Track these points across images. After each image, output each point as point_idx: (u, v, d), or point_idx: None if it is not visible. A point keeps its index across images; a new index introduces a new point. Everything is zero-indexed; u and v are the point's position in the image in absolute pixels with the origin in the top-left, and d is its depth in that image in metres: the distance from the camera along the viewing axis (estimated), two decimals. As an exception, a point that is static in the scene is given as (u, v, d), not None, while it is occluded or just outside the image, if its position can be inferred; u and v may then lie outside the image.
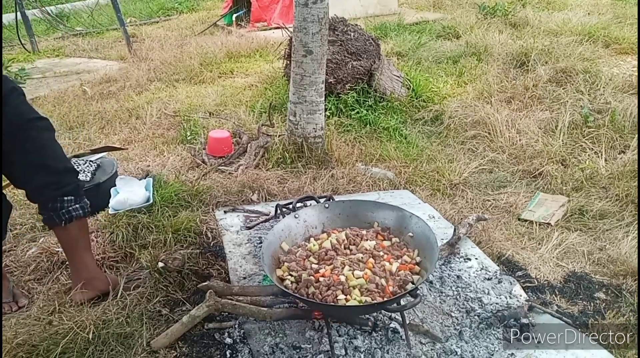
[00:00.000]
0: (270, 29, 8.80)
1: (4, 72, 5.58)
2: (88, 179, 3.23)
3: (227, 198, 3.40)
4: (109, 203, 3.10)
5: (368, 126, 4.60)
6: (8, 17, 9.71)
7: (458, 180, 3.76)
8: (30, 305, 2.55)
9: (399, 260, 2.20)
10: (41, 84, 6.35)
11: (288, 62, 5.02)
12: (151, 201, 3.13)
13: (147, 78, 6.24)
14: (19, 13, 8.03)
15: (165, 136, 4.55)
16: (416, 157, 4.10)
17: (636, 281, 2.58)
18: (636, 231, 3.06)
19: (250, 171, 3.80)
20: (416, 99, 5.05)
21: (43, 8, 10.49)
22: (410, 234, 2.33)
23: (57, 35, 9.56)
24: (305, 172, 3.78)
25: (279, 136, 4.22)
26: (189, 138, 4.37)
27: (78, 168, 3.31)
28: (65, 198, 2.32)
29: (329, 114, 4.64)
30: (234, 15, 9.55)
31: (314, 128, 3.89)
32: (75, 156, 3.45)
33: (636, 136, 3.98)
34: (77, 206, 2.37)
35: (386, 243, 2.33)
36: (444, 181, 3.74)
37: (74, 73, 6.88)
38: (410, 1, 11.08)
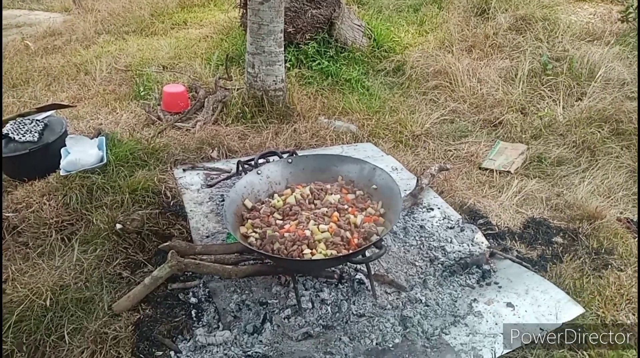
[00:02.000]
0: (224, -24, 8.35)
1: None
2: (35, 139, 3.03)
3: (185, 156, 3.29)
4: (59, 164, 2.93)
5: (330, 77, 4.50)
6: None
7: (420, 131, 3.76)
8: (-19, 274, 2.43)
9: (364, 213, 2.19)
10: (-23, 39, 5.88)
11: (244, 11, 4.78)
12: (105, 160, 2.98)
13: (94, 30, 5.86)
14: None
15: (117, 92, 4.31)
16: (379, 109, 4.06)
17: (591, 225, 2.67)
18: (592, 177, 3.15)
19: (208, 127, 3.67)
20: (378, 49, 4.95)
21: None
22: (374, 186, 2.31)
23: (-9, -15, 8.80)
24: (267, 127, 3.68)
25: (238, 89, 4.07)
26: (142, 94, 4.16)
27: (24, 127, 3.10)
28: None
29: (289, 66, 4.49)
30: (186, -38, 8.99)
31: (274, 80, 3.76)
32: (20, 116, 3.23)
33: (592, 83, 4.05)
34: None
35: (350, 196, 2.31)
36: (407, 132, 3.73)
37: (14, 26, 6.39)
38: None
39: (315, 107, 3.99)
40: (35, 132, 3.09)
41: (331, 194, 2.30)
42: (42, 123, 3.18)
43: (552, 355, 1.90)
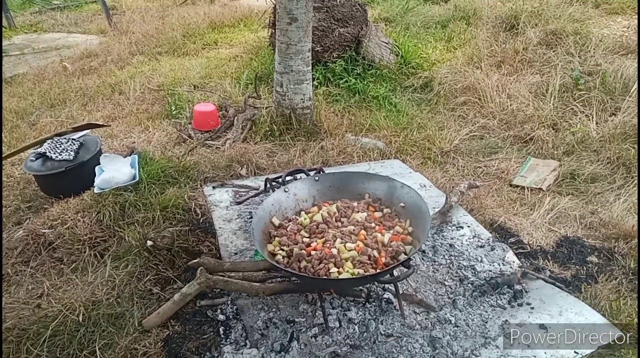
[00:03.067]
0: (254, -3, 8.54)
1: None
2: (71, 158, 3.14)
3: (215, 173, 3.34)
4: (93, 182, 3.03)
5: (357, 95, 4.52)
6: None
7: (449, 148, 3.72)
8: (19, 289, 2.51)
9: (391, 231, 2.18)
10: (20, 62, 6.15)
11: (273, 30, 4.88)
12: (137, 178, 3.06)
13: (128, 52, 6.06)
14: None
15: (150, 111, 4.43)
16: (406, 125, 4.05)
17: (628, 244, 2.58)
18: (628, 194, 3.05)
19: (237, 144, 3.72)
20: (405, 66, 4.96)
21: (17, -19, 10.10)
22: (402, 204, 2.29)
23: (33, 10, 9.24)
24: (294, 144, 3.71)
25: (266, 108, 4.13)
26: (174, 113, 4.27)
27: (60, 146, 3.22)
28: None
29: (316, 84, 4.54)
30: (216, -16, 9.25)
31: (301, 99, 3.81)
32: (57, 135, 3.35)
33: (627, 97, 3.94)
34: None
35: (378, 214, 2.30)
36: (435, 149, 3.70)
37: (53, 49, 6.67)
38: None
39: (342, 125, 4.01)
40: (71, 151, 3.20)
41: (358, 212, 2.30)
42: (78, 142, 3.29)
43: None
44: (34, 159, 3.17)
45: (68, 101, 4.74)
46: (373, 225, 2.21)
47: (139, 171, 3.11)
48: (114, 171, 3.02)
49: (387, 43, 5.06)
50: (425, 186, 3.14)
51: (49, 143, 3.26)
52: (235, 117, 4.06)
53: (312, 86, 3.96)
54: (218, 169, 3.38)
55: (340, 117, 4.13)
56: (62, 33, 7.59)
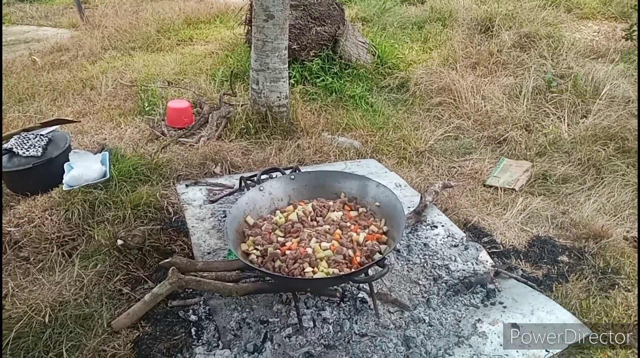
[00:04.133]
0: (230, -7, 8.45)
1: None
2: (39, 154, 3.04)
3: (188, 171, 3.28)
4: (62, 179, 2.93)
5: (334, 94, 4.51)
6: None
7: (424, 148, 3.74)
8: (-19, 289, 2.41)
9: (366, 230, 2.17)
10: (-15, 54, 5.94)
11: (249, 27, 4.82)
12: (108, 176, 2.98)
13: (101, 46, 5.92)
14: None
15: (122, 107, 4.34)
16: (382, 125, 4.06)
17: (597, 244, 2.64)
18: (597, 195, 3.12)
19: (212, 142, 3.67)
20: (382, 66, 4.97)
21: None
22: (377, 203, 2.29)
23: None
24: (270, 143, 3.68)
25: (242, 105, 4.09)
26: (147, 109, 4.18)
27: (28, 142, 3.11)
28: None
29: (293, 82, 4.51)
30: (193, -20, 9.11)
31: (278, 97, 3.77)
32: (24, 130, 3.23)
33: (597, 100, 4.03)
34: None
35: (353, 214, 2.29)
36: (410, 149, 3.71)
37: (22, 42, 6.47)
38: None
39: (319, 124, 4.00)
40: (39, 147, 3.10)
41: (334, 211, 2.28)
42: (47, 138, 3.19)
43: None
44: (-1, 155, 3.05)
45: (37, 95, 4.60)
46: (348, 224, 2.20)
47: (109, 168, 3.03)
48: (84, 168, 2.94)
49: (364, 43, 5.06)
50: (400, 185, 3.15)
51: (15, 139, 3.14)
52: (210, 115, 4.00)
53: (289, 84, 3.93)
54: (192, 167, 3.32)
55: (316, 116, 4.11)
56: (31, 26, 7.37)
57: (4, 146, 3.11)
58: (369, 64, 4.95)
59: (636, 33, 4.92)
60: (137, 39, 6.08)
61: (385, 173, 3.31)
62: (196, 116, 4.06)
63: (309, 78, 4.69)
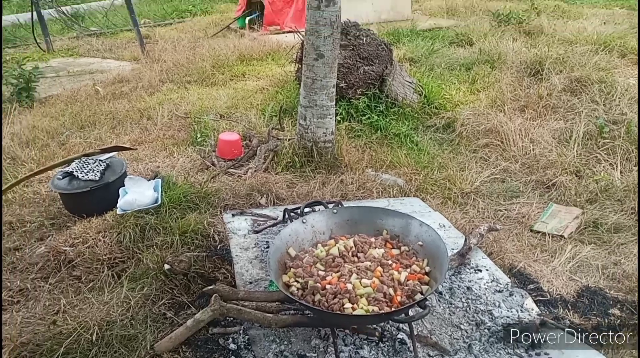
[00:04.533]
0: (282, 32, 8.81)
1: (19, 70, 5.63)
2: (97, 178, 3.22)
3: (235, 201, 3.38)
4: (117, 203, 3.09)
5: (379, 131, 4.56)
6: (24, 17, 9.82)
7: (470, 189, 3.71)
8: (36, 304, 2.54)
9: (408, 269, 2.16)
10: (55, 83, 6.39)
11: (300, 65, 4.99)
12: (159, 202, 3.11)
13: (159, 79, 6.25)
14: (35, 12, 8.09)
15: (176, 137, 4.54)
16: (427, 164, 4.06)
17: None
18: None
19: (259, 174, 3.78)
20: (428, 105, 5.01)
21: (59, 8, 10.59)
22: (420, 243, 2.28)
23: (71, 35, 9.64)
24: (315, 177, 3.75)
25: (289, 139, 4.20)
26: (199, 140, 4.36)
27: (87, 166, 3.30)
28: None
29: (339, 119, 4.61)
30: (247, 19, 9.58)
31: (324, 132, 3.86)
32: (85, 155, 3.45)
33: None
34: None
35: (395, 252, 2.29)
36: (455, 189, 3.69)
37: (87, 73, 6.93)
38: (424, 7, 11.06)
39: (363, 160, 4.04)
40: (98, 171, 3.28)
41: (375, 248, 2.29)
42: (105, 163, 3.38)
43: None
44: (61, 177, 3.25)
45: (98, 123, 4.89)
46: (390, 262, 2.20)
47: (161, 195, 3.17)
48: (137, 193, 3.09)
49: (410, 82, 5.13)
50: (444, 226, 3.12)
51: (76, 163, 3.35)
52: (258, 148, 4.13)
53: (335, 120, 4.02)
54: (238, 198, 3.42)
55: (361, 153, 4.16)
56: (96, 58, 7.89)
57: (66, 169, 3.32)
58: (415, 103, 4.99)
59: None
60: (193, 74, 6.40)
61: (429, 212, 3.29)
62: (245, 149, 4.20)
63: (355, 115, 4.78)
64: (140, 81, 6.22)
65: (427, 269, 2.17)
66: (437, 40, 7.43)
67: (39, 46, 8.31)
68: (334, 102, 3.87)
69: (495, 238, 3.07)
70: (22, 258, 2.91)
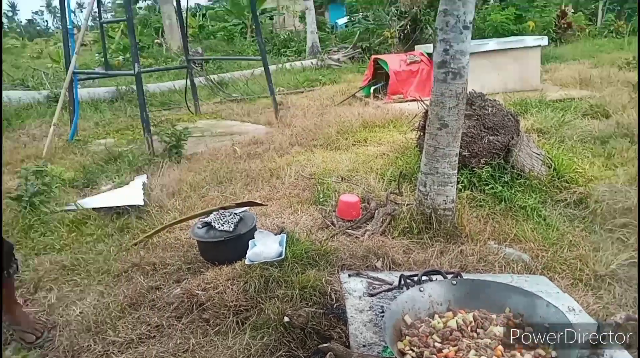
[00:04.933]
0: (406, 101, 9.08)
1: (172, 129, 6.47)
2: (231, 230, 3.54)
3: (352, 262, 3.47)
4: (246, 253, 3.36)
5: (503, 203, 4.42)
6: (179, 83, 11.34)
7: (604, 272, 3.40)
8: (169, 341, 2.81)
9: (532, 352, 2.04)
10: (200, 142, 7.21)
11: (422, 133, 5.10)
12: (283, 256, 3.32)
13: (289, 142, 6.77)
14: (188, 80, 9.32)
15: (301, 196, 4.83)
16: (556, 241, 3.82)
17: None
18: None
19: (376, 237, 3.85)
20: (558, 179, 4.76)
21: (208, 77, 12.09)
22: (546, 325, 2.15)
23: (216, 100, 10.89)
24: (432, 244, 3.72)
25: (407, 205, 4.25)
26: (321, 200, 4.60)
27: (223, 218, 3.66)
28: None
29: (460, 188, 4.56)
30: (372, 88, 10.05)
31: (444, 200, 3.86)
32: (222, 208, 3.83)
33: None
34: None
35: (518, 332, 2.18)
36: (588, 271, 3.41)
37: (227, 134, 7.72)
38: (554, 78, 10.69)
39: (485, 231, 3.93)
40: (232, 223, 3.62)
41: (497, 325, 2.20)
42: (238, 216, 3.71)
43: None
44: (200, 226, 3.64)
45: (233, 179, 5.39)
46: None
47: (285, 249, 3.38)
48: (265, 246, 3.33)
49: (538, 154, 4.95)
50: (574, 310, 2.88)
51: (214, 214, 3.73)
52: (376, 211, 4.23)
53: (456, 189, 4.00)
54: (355, 258, 3.51)
55: (483, 224, 4.06)
56: (236, 121, 8.77)
57: (205, 219, 3.70)
58: (544, 176, 4.78)
59: None
60: (319, 138, 6.83)
61: (556, 293, 3.07)
62: (364, 211, 4.33)
63: (477, 185, 4.70)
64: (273, 143, 6.77)
65: (553, 355, 2.04)
66: (568, 111, 7.11)
67: (189, 109, 9.48)
68: (456, 171, 3.88)
69: (634, 329, 2.75)
70: (160, 297, 3.25)
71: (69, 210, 4.71)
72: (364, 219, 4.22)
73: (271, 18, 29.36)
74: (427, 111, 4.59)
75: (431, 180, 3.85)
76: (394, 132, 7.08)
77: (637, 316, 2.58)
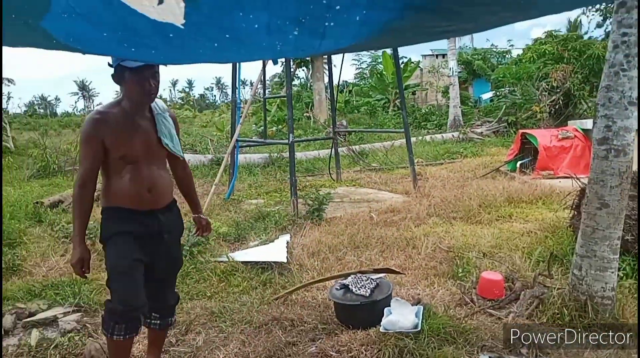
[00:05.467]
0: (556, 177, 8.52)
1: (316, 193, 6.86)
2: (367, 294, 3.59)
3: (493, 344, 3.26)
4: (381, 320, 3.36)
5: (676, 297, 3.83)
6: (324, 152, 12.08)
7: None
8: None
9: None
10: (339, 207, 7.52)
11: (576, 212, 4.73)
12: (419, 328, 3.25)
13: (426, 213, 6.72)
14: (333, 150, 9.92)
15: (438, 269, 4.72)
16: (626, 342, 3.18)
17: None
18: None
19: (521, 320, 3.58)
20: None
21: (350, 147, 12.72)
22: None
23: (356, 169, 11.34)
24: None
25: (558, 289, 3.90)
26: (460, 275, 4.44)
27: (360, 282, 3.73)
28: (152, 314, 2.98)
29: (622, 275, 4.08)
30: (519, 162, 9.64)
31: (602, 287, 3.49)
32: (360, 272, 3.91)
33: None
34: (159, 322, 3.02)
35: None
36: None
37: (365, 201, 7.94)
38: None
39: (652, 328, 3.43)
40: (369, 288, 3.67)
41: None
42: (375, 282, 3.76)
43: None
44: (338, 288, 3.75)
45: (369, 245, 5.48)
46: None
47: (422, 321, 3.31)
48: (401, 315, 3.30)
49: None
50: None
51: (352, 278, 3.82)
52: (522, 292, 3.95)
53: (617, 276, 3.59)
54: (497, 340, 3.29)
55: (651, 319, 3.55)
56: (374, 189, 9.00)
57: (344, 281, 3.81)
58: None
59: None
60: (459, 210, 6.68)
61: None
62: (507, 291, 4.07)
63: (643, 274, 4.16)
64: (409, 212, 6.79)
65: None
66: None
67: (330, 176, 10.00)
68: (617, 256, 3.51)
69: None
70: (296, 353, 3.36)
71: (221, 261, 5.18)
72: (507, 300, 3.96)
73: (413, 93, 30.17)
74: (583, 189, 4.28)
75: (588, 263, 3.53)
76: (542, 209, 6.64)
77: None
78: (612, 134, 3.38)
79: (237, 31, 1.56)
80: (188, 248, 5.30)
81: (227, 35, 1.60)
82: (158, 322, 2.99)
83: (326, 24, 1.57)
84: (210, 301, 4.31)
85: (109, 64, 2.60)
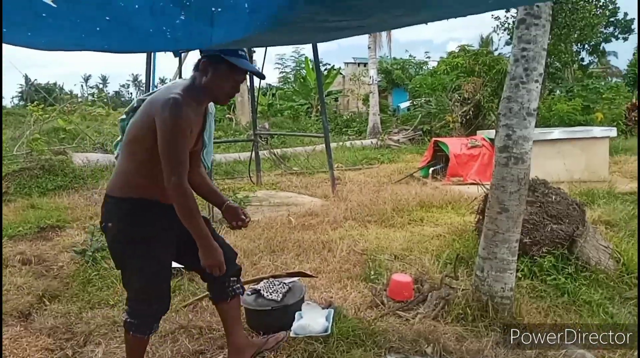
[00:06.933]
0: (465, 184, 8.98)
1: (233, 197, 6.71)
2: (278, 299, 3.53)
3: (400, 345, 3.32)
4: (291, 325, 3.31)
5: (566, 295, 4.14)
6: (244, 155, 11.89)
7: (684, 382, 3.05)
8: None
9: None
10: (257, 211, 7.40)
11: (481, 217, 4.98)
12: (329, 332, 3.24)
13: (343, 216, 6.80)
14: (254, 153, 9.78)
15: (351, 271, 4.77)
16: (626, 342, 3.49)
17: None
18: None
19: (427, 321, 3.69)
20: (627, 275, 4.43)
21: (272, 150, 12.63)
22: None
23: (277, 172, 11.26)
24: (488, 334, 3.51)
25: (463, 290, 4.07)
26: (372, 277, 4.51)
27: (272, 287, 3.66)
28: (231, 279, 2.89)
29: (520, 276, 4.34)
30: (431, 169, 10.07)
31: (502, 287, 3.68)
32: (272, 276, 3.84)
33: None
34: (239, 285, 2.96)
35: None
36: (663, 379, 3.07)
37: (284, 204, 7.89)
38: (623, 170, 10.28)
39: (545, 325, 3.67)
40: (280, 293, 3.61)
41: None
42: (287, 286, 3.70)
43: None
44: (250, 293, 3.65)
45: (286, 249, 5.43)
46: None
47: (332, 325, 3.30)
48: (311, 319, 3.28)
49: (606, 247, 4.66)
50: None
51: (264, 282, 3.74)
52: (430, 293, 4.08)
53: (515, 276, 3.82)
54: (404, 342, 3.36)
55: (543, 316, 3.80)
56: (294, 193, 8.98)
57: (255, 287, 3.72)
58: (611, 270, 4.47)
59: None
60: (374, 214, 6.82)
61: (626, 401, 2.78)
62: (416, 292, 4.19)
63: (538, 274, 4.45)
64: (327, 216, 6.83)
65: None
66: None
67: (251, 179, 9.85)
68: (516, 258, 3.72)
69: None
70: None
71: (128, 267, 4.88)
72: (416, 302, 4.07)
73: (336, 100, 30.69)
74: (487, 195, 4.51)
75: (489, 265, 3.72)
76: (451, 213, 6.96)
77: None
78: (512, 143, 3.59)
79: (116, 11, 1.44)
80: (91, 253, 4.95)
81: (107, 17, 1.46)
82: (239, 285, 2.98)
83: (212, 8, 1.50)
84: (112, 310, 4.04)
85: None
